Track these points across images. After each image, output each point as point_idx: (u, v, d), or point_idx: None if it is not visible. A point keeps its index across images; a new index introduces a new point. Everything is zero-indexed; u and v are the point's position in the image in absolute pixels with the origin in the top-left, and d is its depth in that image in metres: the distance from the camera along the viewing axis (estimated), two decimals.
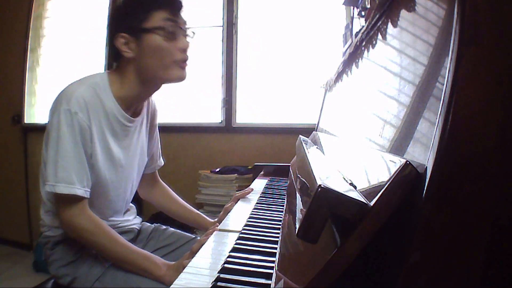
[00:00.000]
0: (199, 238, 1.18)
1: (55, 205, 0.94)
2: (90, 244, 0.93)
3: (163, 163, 1.28)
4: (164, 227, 1.22)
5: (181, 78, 0.96)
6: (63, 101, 0.89)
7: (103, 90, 0.94)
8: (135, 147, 1.06)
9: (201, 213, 1.26)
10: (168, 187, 1.30)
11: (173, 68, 0.95)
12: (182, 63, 0.96)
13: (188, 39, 0.98)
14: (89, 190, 0.92)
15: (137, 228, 1.15)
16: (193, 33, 1.00)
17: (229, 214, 1.01)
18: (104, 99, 0.94)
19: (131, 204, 1.20)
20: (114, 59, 0.99)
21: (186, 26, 0.97)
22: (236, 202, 1.12)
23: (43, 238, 1.02)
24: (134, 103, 1.01)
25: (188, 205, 1.27)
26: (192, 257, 0.71)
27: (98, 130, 0.94)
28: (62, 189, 0.87)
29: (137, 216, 1.22)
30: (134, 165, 1.08)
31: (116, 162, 1.00)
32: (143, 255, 0.90)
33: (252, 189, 1.23)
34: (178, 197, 1.29)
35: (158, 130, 1.22)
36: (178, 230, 1.21)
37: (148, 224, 1.23)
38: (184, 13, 0.98)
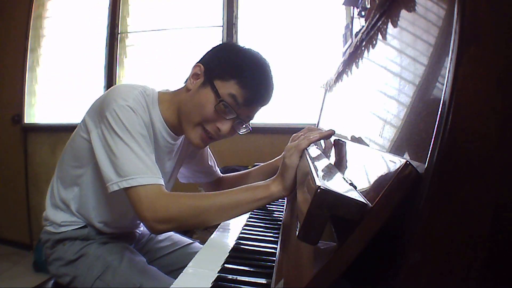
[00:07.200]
0: (198, 242, 1.19)
1: (133, 207, 0.80)
2: (193, 220, 0.80)
3: (220, 173, 1.29)
4: None
5: (194, 142, 0.92)
6: (117, 98, 0.84)
7: (151, 103, 0.92)
8: (171, 165, 1.05)
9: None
10: (230, 176, 1.31)
11: (197, 130, 0.91)
12: (206, 134, 0.91)
13: (239, 130, 0.95)
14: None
15: (139, 232, 1.17)
16: (249, 129, 0.95)
17: None
18: (152, 112, 0.92)
19: None
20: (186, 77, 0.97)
21: (246, 120, 0.92)
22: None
23: (43, 234, 1.01)
24: (176, 128, 0.98)
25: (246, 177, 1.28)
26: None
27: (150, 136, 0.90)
28: (141, 181, 0.78)
29: None
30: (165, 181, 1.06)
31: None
32: (243, 190, 0.81)
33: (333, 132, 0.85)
34: (240, 175, 1.30)
35: (207, 149, 1.22)
36: (177, 234, 1.21)
37: None
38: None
